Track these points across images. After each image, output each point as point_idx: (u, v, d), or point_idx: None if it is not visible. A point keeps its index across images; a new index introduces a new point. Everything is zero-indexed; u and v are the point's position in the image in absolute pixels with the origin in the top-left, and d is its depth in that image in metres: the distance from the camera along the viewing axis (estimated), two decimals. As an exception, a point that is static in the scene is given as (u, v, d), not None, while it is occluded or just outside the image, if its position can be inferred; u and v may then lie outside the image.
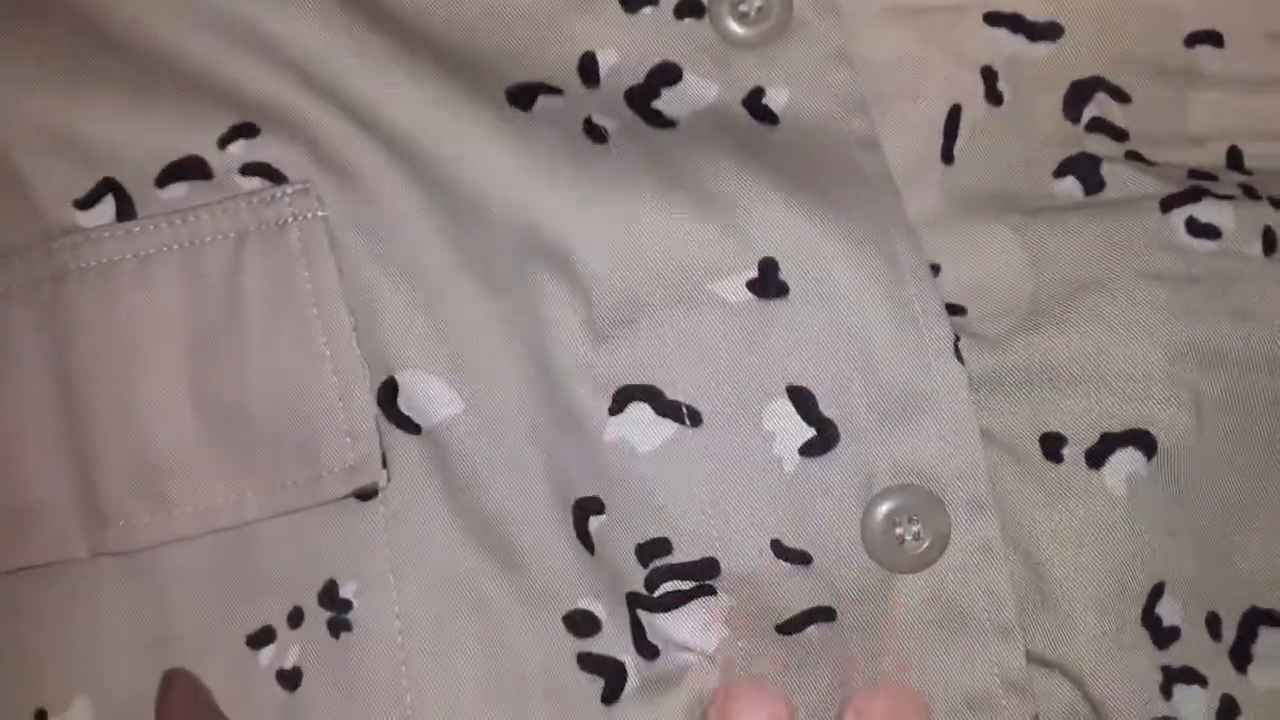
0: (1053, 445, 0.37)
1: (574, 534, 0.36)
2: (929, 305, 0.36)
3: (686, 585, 0.36)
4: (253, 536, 0.36)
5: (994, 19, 0.40)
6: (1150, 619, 0.36)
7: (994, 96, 0.39)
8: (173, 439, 0.36)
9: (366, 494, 0.36)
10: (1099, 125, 0.39)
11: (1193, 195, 0.38)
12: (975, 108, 0.39)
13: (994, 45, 0.40)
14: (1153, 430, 0.37)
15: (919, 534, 0.36)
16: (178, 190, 0.37)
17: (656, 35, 0.39)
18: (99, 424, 0.36)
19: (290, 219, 0.37)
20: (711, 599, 0.36)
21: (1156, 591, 0.36)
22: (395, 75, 0.37)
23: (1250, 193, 0.39)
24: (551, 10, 0.39)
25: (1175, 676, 0.36)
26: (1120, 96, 0.39)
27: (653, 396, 0.36)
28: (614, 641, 0.36)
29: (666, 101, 0.39)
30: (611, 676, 0.36)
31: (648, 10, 0.39)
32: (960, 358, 0.36)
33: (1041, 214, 0.38)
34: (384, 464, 0.36)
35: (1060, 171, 0.39)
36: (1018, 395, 0.37)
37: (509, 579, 0.36)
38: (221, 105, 0.37)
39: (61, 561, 0.36)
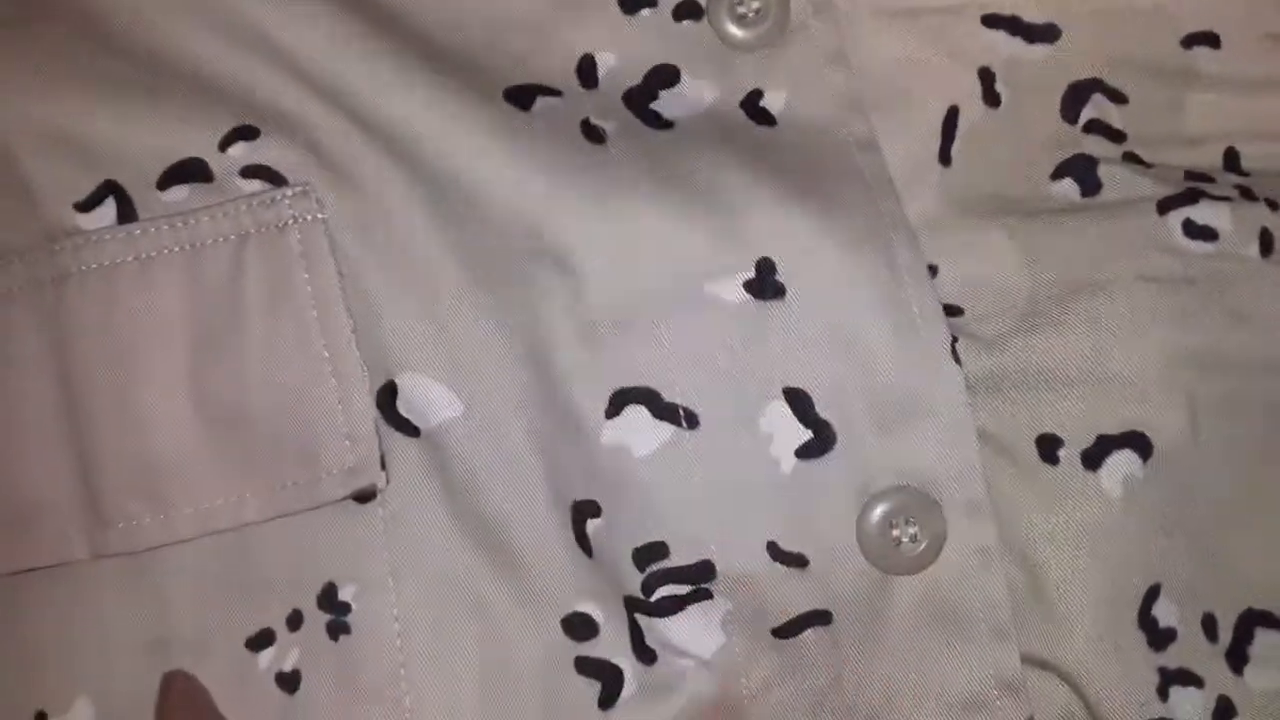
0: (1049, 447, 0.37)
1: (572, 537, 0.37)
2: (927, 307, 0.37)
3: (683, 589, 0.36)
4: (252, 539, 0.36)
5: (992, 21, 0.40)
6: (1146, 620, 0.37)
7: (992, 98, 0.39)
8: (173, 441, 0.36)
9: (365, 496, 0.36)
10: (1096, 127, 0.39)
11: (1190, 197, 0.38)
12: (973, 109, 0.39)
13: (992, 47, 0.40)
14: (1148, 432, 0.37)
15: (915, 536, 0.36)
16: (179, 192, 0.37)
17: (655, 37, 0.39)
18: (100, 426, 0.36)
19: (290, 221, 0.37)
20: (708, 603, 0.36)
21: (1152, 593, 0.37)
22: (394, 77, 0.37)
23: (1247, 194, 0.39)
24: (550, 12, 0.39)
25: (1172, 678, 0.37)
26: (1117, 98, 0.39)
27: (650, 399, 0.36)
28: (612, 645, 0.36)
29: (664, 103, 0.39)
30: (608, 681, 0.36)
31: (646, 12, 0.39)
32: (958, 359, 0.37)
33: (1039, 215, 0.38)
34: (383, 466, 0.36)
35: (1058, 173, 0.39)
36: (1014, 397, 0.37)
37: (507, 581, 0.36)
38: (222, 107, 0.37)
39: (62, 563, 0.36)
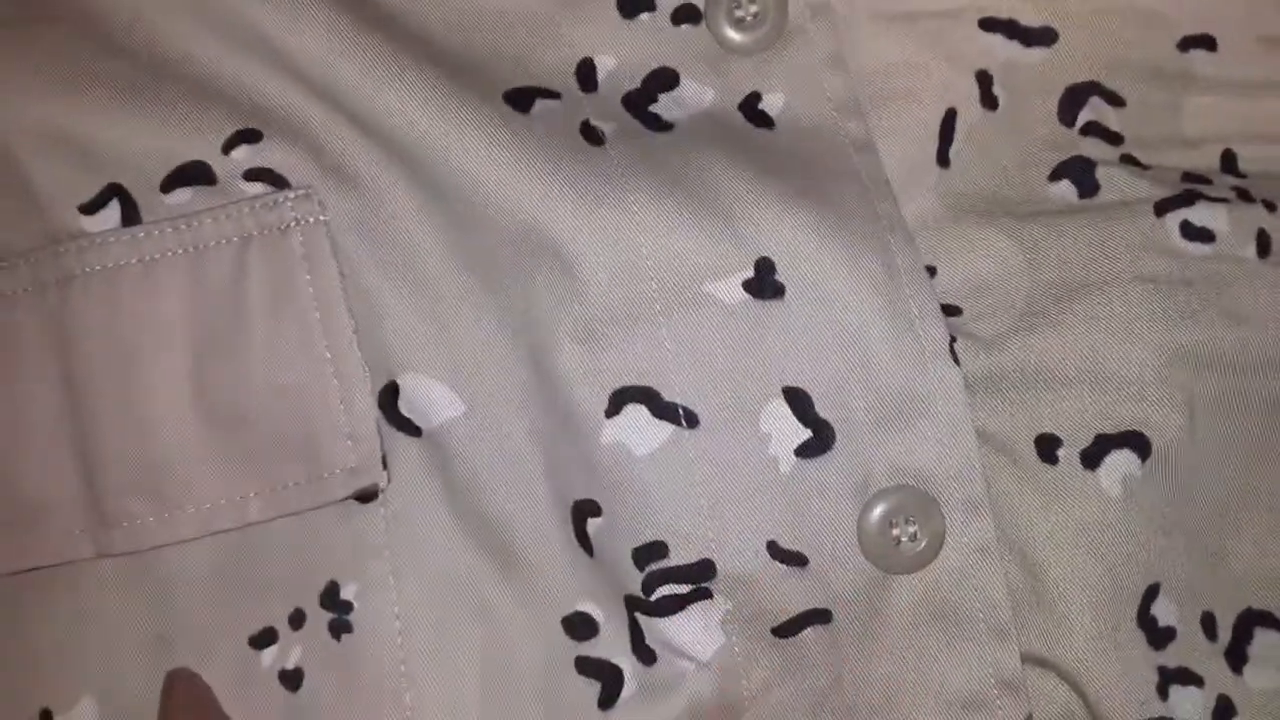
0: (1048, 446, 0.37)
1: (573, 536, 0.37)
2: (925, 306, 0.37)
3: (683, 589, 0.36)
4: (255, 538, 0.37)
5: (989, 24, 0.40)
6: (1146, 619, 0.37)
7: (989, 101, 0.40)
8: (176, 441, 0.36)
9: (367, 496, 0.37)
10: (1093, 129, 0.39)
11: (1187, 199, 0.38)
12: (970, 112, 0.39)
13: (989, 50, 0.40)
14: (1147, 432, 0.37)
15: (915, 535, 0.36)
16: (182, 195, 0.37)
17: (653, 41, 0.39)
18: (104, 426, 0.36)
19: (293, 223, 0.37)
20: (708, 602, 0.36)
21: (1151, 592, 0.37)
22: (395, 79, 0.37)
23: (1244, 196, 0.39)
24: (549, 16, 0.39)
25: (1171, 677, 0.37)
26: (1114, 100, 0.40)
27: (649, 398, 0.36)
28: (612, 645, 0.37)
29: (663, 106, 0.39)
30: (608, 681, 0.36)
31: (645, 16, 0.39)
32: (956, 359, 0.37)
33: (1037, 217, 0.39)
34: (384, 466, 0.37)
35: (1055, 175, 0.39)
36: (1013, 397, 0.37)
37: (509, 581, 0.37)
38: (225, 111, 0.38)
39: (67, 563, 0.36)
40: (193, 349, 0.37)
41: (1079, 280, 0.38)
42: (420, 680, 0.36)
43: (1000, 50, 0.40)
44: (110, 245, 0.37)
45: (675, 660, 0.36)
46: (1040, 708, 0.37)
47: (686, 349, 0.37)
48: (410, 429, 0.37)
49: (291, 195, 0.37)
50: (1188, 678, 0.37)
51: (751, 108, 0.39)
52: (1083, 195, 0.39)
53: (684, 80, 0.39)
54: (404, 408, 0.37)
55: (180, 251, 0.37)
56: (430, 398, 0.37)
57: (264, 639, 0.36)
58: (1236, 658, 0.37)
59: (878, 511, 0.36)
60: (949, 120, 0.39)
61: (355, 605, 0.36)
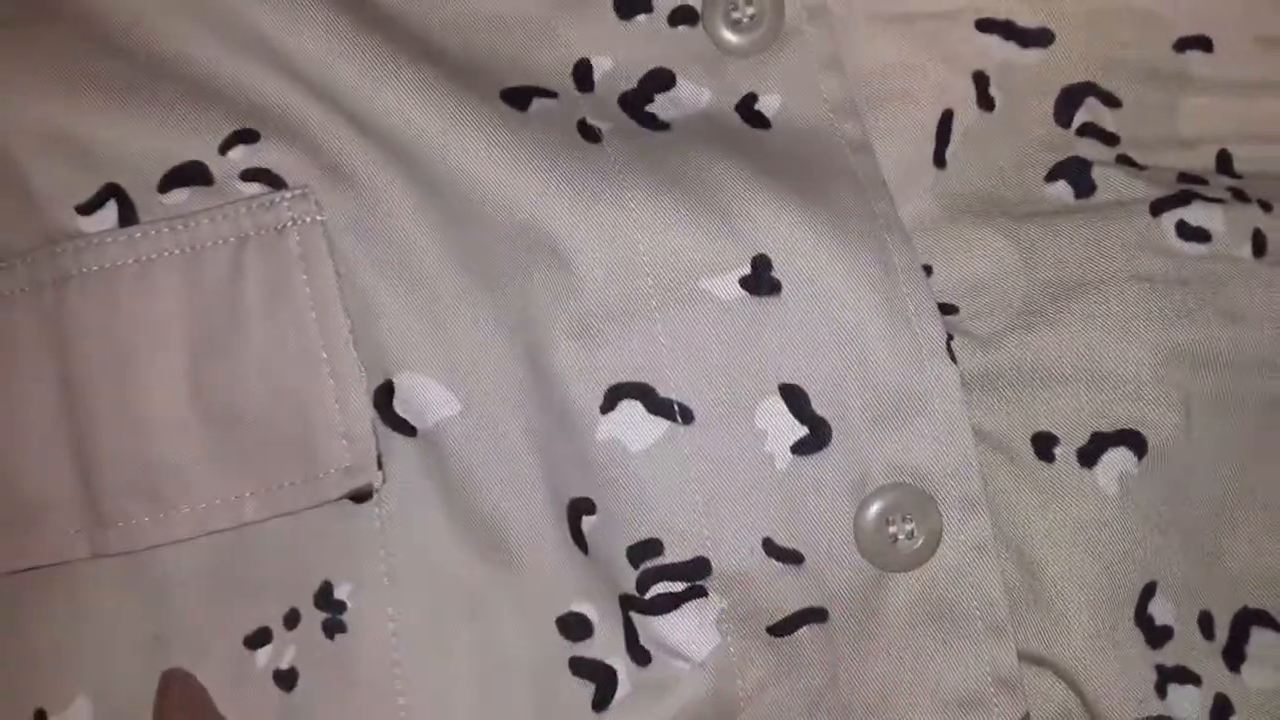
0: (1044, 445, 0.37)
1: (569, 535, 0.37)
2: (921, 304, 0.37)
3: (678, 586, 0.36)
4: (250, 538, 0.37)
5: (986, 26, 0.40)
6: (1143, 618, 0.37)
7: (986, 102, 0.40)
8: (172, 441, 0.36)
9: (362, 496, 0.37)
10: (1089, 130, 0.39)
11: (1183, 199, 0.38)
12: (967, 113, 0.40)
13: (986, 51, 0.40)
14: (1143, 430, 0.37)
15: (912, 533, 0.36)
16: (179, 195, 0.37)
17: (650, 42, 0.39)
18: (100, 426, 0.36)
19: (289, 224, 0.37)
20: (703, 600, 0.36)
21: (1148, 591, 0.37)
22: (393, 78, 0.37)
23: (1240, 196, 0.39)
24: (546, 17, 0.39)
25: (1169, 676, 0.36)
26: (1111, 101, 0.40)
27: (645, 394, 0.36)
28: (606, 646, 0.36)
29: (660, 106, 0.39)
30: (603, 683, 0.36)
31: (642, 18, 0.39)
32: (953, 356, 0.37)
33: (1033, 217, 0.39)
34: (380, 466, 0.37)
35: (1051, 175, 0.39)
36: (1009, 395, 0.37)
37: (503, 581, 0.37)
38: (222, 110, 0.38)
39: (62, 562, 0.36)
40: (189, 349, 0.37)
41: (1075, 279, 0.38)
42: (413, 681, 0.36)
43: (997, 51, 0.40)
44: (107, 245, 0.37)
45: (669, 661, 0.36)
46: (1037, 706, 0.37)
47: (682, 345, 0.37)
48: (405, 429, 0.37)
49: (288, 195, 0.37)
50: (1185, 676, 0.37)
51: (748, 108, 0.39)
52: (1079, 195, 0.39)
53: (680, 81, 0.39)
54: (399, 407, 0.37)
55: (177, 252, 0.37)
56: (426, 397, 0.37)
57: (258, 639, 0.36)
58: (1234, 657, 0.37)
59: (874, 509, 0.36)
60: (945, 121, 0.40)
61: (349, 605, 0.36)
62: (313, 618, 0.36)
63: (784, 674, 0.36)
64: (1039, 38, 0.40)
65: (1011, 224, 0.38)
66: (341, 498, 0.36)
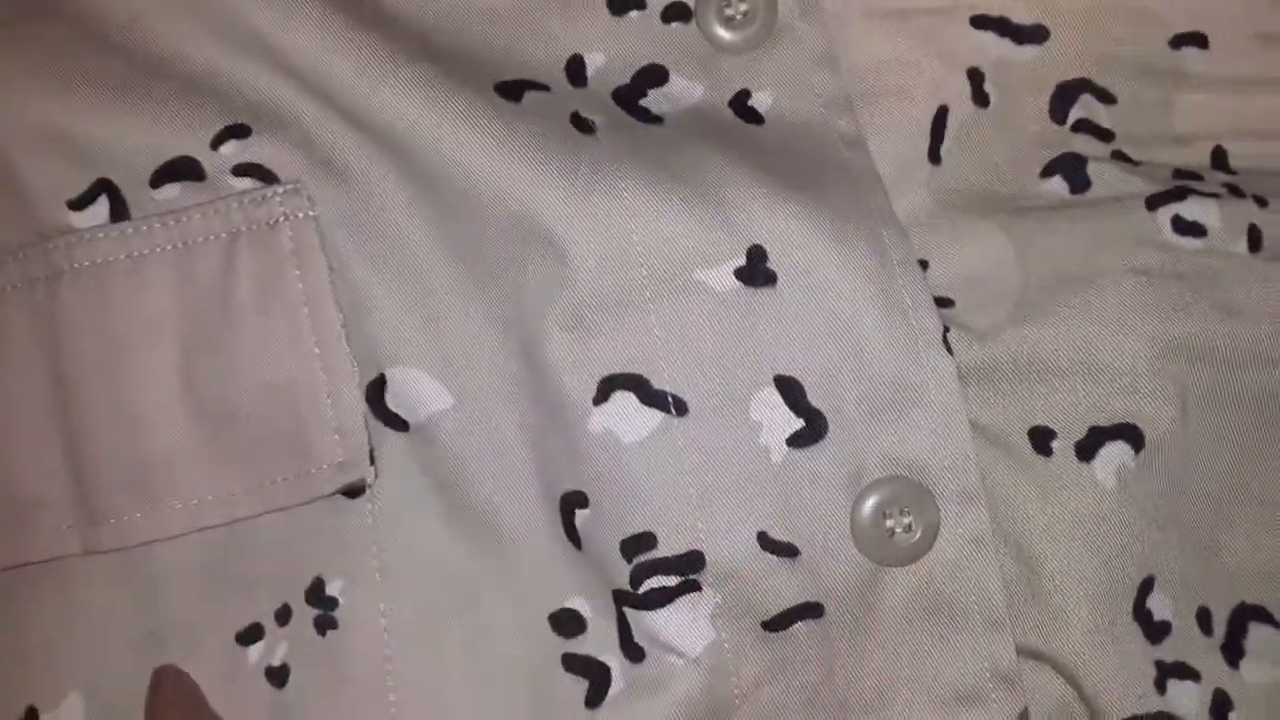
0: (1042, 438, 0.37)
1: (562, 530, 0.36)
2: (918, 297, 0.37)
3: (672, 580, 0.36)
4: (242, 534, 0.36)
5: (980, 22, 0.40)
6: (1141, 613, 0.36)
7: (980, 98, 0.40)
8: (165, 437, 0.36)
9: (354, 491, 0.36)
10: (1085, 126, 0.39)
11: (1178, 194, 0.38)
12: (962, 109, 0.40)
13: (980, 48, 0.40)
14: (1140, 424, 0.37)
15: (909, 526, 0.36)
16: (171, 191, 0.37)
17: (643, 39, 0.39)
18: (92, 423, 0.36)
19: (281, 219, 0.37)
20: (697, 595, 0.36)
21: (1146, 585, 0.36)
22: (386, 71, 0.37)
23: (1235, 191, 0.39)
24: (539, 12, 0.39)
25: (1169, 671, 0.36)
26: (1106, 98, 0.40)
27: (638, 385, 0.36)
28: (600, 642, 0.36)
29: (653, 100, 0.39)
30: (596, 679, 0.36)
31: (635, 14, 0.39)
32: (949, 349, 0.37)
33: (1029, 212, 0.39)
34: (372, 461, 0.36)
35: (1047, 171, 0.39)
36: (1006, 389, 0.37)
37: (496, 577, 0.36)
38: (214, 106, 0.38)
39: (55, 559, 0.36)
40: (181, 345, 0.37)
41: (1071, 274, 0.38)
42: (405, 677, 0.36)
43: (992, 48, 0.40)
44: (99, 241, 0.37)
45: (663, 657, 0.36)
46: (1036, 701, 0.36)
47: (676, 336, 0.36)
48: (397, 423, 0.37)
49: (280, 190, 0.37)
50: (1185, 672, 0.36)
51: (741, 104, 0.39)
52: (1074, 191, 0.39)
53: (673, 77, 0.39)
54: (391, 402, 0.37)
55: (169, 247, 0.37)
56: (418, 390, 0.37)
57: (250, 635, 0.36)
58: (1233, 652, 0.37)
59: (871, 502, 0.36)
60: (940, 117, 0.39)
61: (341, 601, 0.36)
62: (304, 614, 0.36)
63: (779, 670, 0.36)
64: (1034, 34, 0.40)
65: (1007, 219, 0.38)
66: (334, 493, 0.36)
